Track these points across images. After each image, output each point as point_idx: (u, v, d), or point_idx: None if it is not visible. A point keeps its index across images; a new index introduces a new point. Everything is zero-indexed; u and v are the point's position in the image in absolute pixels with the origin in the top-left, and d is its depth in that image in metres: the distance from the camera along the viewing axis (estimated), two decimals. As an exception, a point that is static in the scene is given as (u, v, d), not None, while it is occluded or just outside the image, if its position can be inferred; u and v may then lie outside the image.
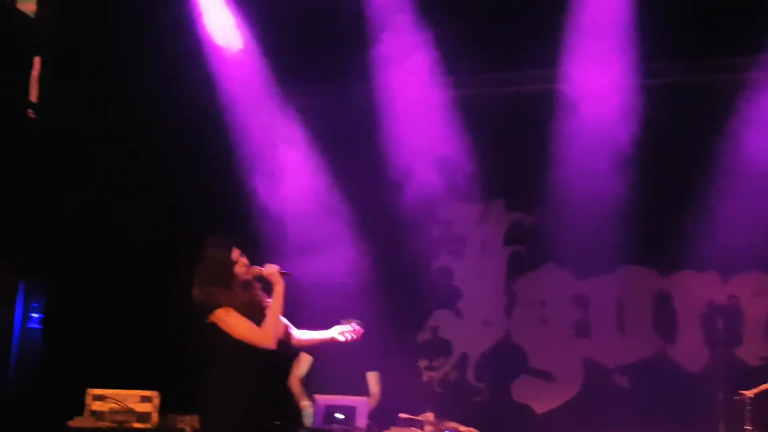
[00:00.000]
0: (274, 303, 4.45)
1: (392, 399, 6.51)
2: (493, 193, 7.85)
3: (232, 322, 4.33)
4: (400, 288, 7.66)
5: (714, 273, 7.47)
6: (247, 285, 4.47)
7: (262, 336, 4.33)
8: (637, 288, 7.62)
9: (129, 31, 7.28)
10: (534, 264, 7.87)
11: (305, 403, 5.76)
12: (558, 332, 7.74)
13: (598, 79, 7.08)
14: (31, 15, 7.29)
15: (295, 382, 6.63)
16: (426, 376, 7.90)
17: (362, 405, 6.00)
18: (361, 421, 5.80)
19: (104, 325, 7.30)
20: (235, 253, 4.49)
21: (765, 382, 6.17)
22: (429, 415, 5.87)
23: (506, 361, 7.78)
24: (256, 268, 4.51)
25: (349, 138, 7.56)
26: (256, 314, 4.39)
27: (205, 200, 7.54)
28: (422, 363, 7.92)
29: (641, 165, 7.15)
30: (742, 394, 6.15)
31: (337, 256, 7.22)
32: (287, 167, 7.59)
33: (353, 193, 7.53)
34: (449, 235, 8.05)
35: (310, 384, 6.58)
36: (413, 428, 5.81)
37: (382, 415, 6.01)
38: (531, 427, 7.52)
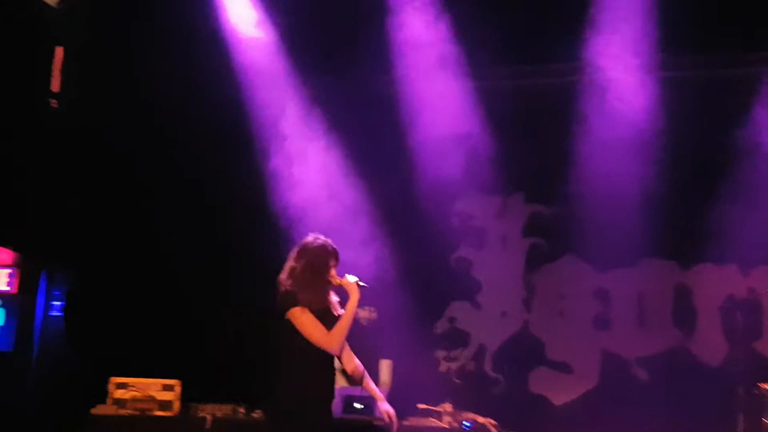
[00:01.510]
0: (348, 311, 4.60)
1: (410, 389, 6.54)
2: (513, 185, 7.85)
3: (305, 322, 4.44)
4: (419, 279, 7.67)
5: (734, 266, 7.44)
6: (326, 292, 4.59)
7: (329, 340, 4.47)
8: (657, 281, 7.61)
9: (151, 21, 7.31)
10: (553, 256, 7.86)
11: None
12: (576, 324, 7.74)
13: (621, 71, 7.05)
14: (54, 5, 7.33)
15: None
16: (444, 366, 7.92)
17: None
18: (380, 411, 5.83)
19: (126, 314, 7.37)
20: (332, 260, 4.62)
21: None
22: (447, 406, 5.90)
23: (524, 352, 7.79)
24: (338, 278, 4.61)
25: (370, 129, 7.56)
26: (327, 321, 4.52)
27: (227, 190, 7.58)
28: (440, 354, 7.95)
29: (662, 158, 7.12)
30: (761, 387, 6.15)
31: (356, 247, 7.24)
32: (307, 158, 7.60)
33: (373, 184, 7.54)
34: (469, 227, 8.05)
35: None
36: (431, 418, 5.84)
37: (399, 405, 6.03)
38: (548, 418, 7.53)
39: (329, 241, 4.66)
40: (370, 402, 5.90)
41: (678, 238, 7.34)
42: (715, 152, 7.05)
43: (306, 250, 4.62)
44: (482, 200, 7.98)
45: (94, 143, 7.42)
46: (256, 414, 6.12)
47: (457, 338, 7.95)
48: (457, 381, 7.85)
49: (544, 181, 7.69)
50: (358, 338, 6.70)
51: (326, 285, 4.61)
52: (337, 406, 5.79)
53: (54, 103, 7.39)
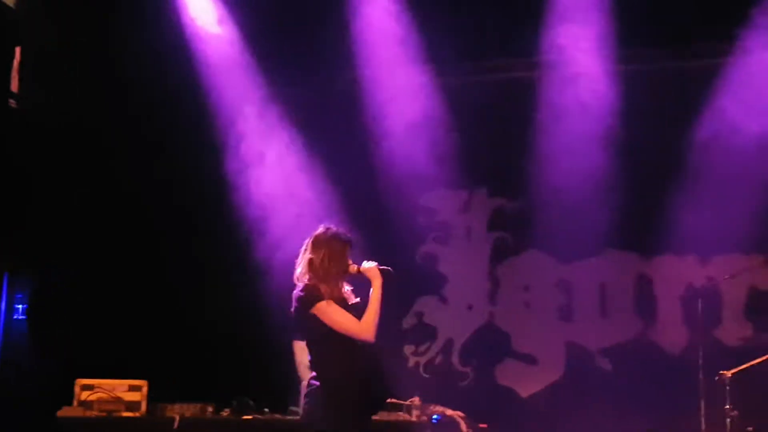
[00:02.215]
0: (375, 297, 4.51)
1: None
2: (477, 180, 7.91)
3: (334, 314, 4.40)
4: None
5: (693, 256, 7.59)
6: (342, 282, 4.56)
7: (363, 329, 4.41)
8: (618, 272, 7.73)
9: (110, 19, 7.26)
10: (517, 249, 7.95)
11: None
12: (541, 316, 7.83)
13: (581, 65, 7.14)
14: (11, 5, 7.24)
15: (303, 370, 6.67)
16: (412, 361, 7.98)
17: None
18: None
19: (91, 315, 7.31)
20: (348, 248, 4.57)
21: (743, 362, 6.31)
22: (415, 400, 5.94)
23: (491, 345, 7.86)
24: (355, 266, 4.58)
25: (332, 125, 7.58)
26: (347, 310, 4.47)
27: (189, 190, 7.55)
28: (408, 348, 8.00)
29: (621, 150, 7.23)
30: (721, 374, 6.28)
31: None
32: (270, 156, 7.58)
33: (336, 181, 7.55)
34: (434, 222, 8.11)
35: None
36: (400, 413, 5.87)
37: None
38: (516, 409, 7.61)
39: (341, 229, 4.58)
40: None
41: (638, 229, 7.46)
42: (673, 143, 7.17)
43: (322, 241, 4.52)
44: (447, 195, 8.03)
45: (54, 144, 7.35)
46: (224, 413, 6.11)
47: (425, 333, 8.00)
48: (425, 375, 7.91)
49: (507, 176, 7.76)
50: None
51: (344, 275, 4.54)
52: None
53: (13, 103, 7.30)
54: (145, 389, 6.12)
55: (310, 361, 4.48)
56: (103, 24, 7.27)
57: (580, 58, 7.14)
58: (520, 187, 7.71)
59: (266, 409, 6.01)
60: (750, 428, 6.32)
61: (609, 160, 7.21)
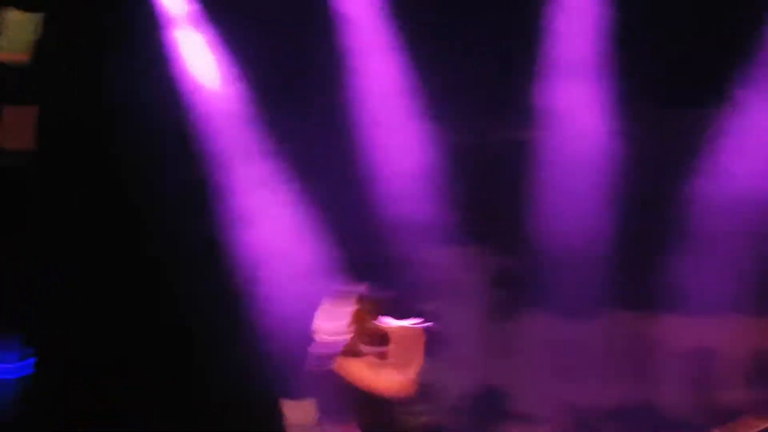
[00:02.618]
0: None
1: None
2: (478, 237, 7.88)
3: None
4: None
5: (694, 317, 7.52)
6: None
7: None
8: (620, 332, 7.65)
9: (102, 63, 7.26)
10: (517, 308, 7.88)
11: None
12: (541, 377, 7.73)
13: (576, 123, 7.18)
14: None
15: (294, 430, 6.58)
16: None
17: None
18: None
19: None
20: None
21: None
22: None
23: (490, 404, 7.75)
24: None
25: (328, 174, 7.54)
26: None
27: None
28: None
29: (622, 208, 7.22)
30: (713, 432, 6.17)
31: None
32: (263, 208, 7.48)
33: (335, 237, 7.53)
34: (434, 278, 8.06)
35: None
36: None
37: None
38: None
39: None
40: None
41: (641, 290, 7.41)
42: (672, 200, 7.16)
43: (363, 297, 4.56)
44: (448, 251, 8.00)
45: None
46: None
47: (422, 392, 7.87)
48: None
49: (509, 234, 7.74)
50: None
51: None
52: None
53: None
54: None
55: None
56: (94, 67, 7.28)
57: (579, 114, 7.18)
58: (521, 246, 7.68)
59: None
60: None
61: (612, 218, 7.20)
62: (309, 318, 4.73)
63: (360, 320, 4.44)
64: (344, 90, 7.27)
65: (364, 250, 7.56)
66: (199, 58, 7.47)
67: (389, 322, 4.49)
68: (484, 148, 7.69)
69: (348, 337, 4.39)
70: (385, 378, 4.37)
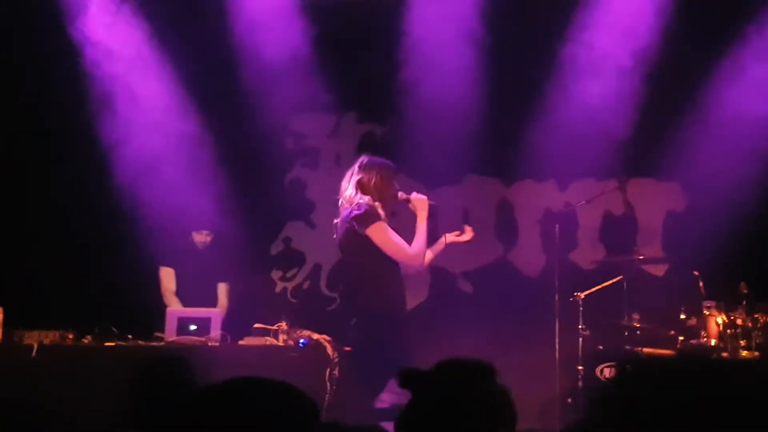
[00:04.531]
0: (423, 227, 4.69)
1: (246, 310, 6.58)
2: (346, 104, 7.87)
3: (390, 237, 4.35)
4: (254, 201, 7.63)
5: (552, 182, 7.89)
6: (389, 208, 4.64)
7: (415, 253, 4.44)
8: (481, 197, 7.94)
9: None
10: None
11: None
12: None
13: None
14: None
15: (169, 296, 6.59)
16: (279, 286, 7.99)
17: (216, 316, 6.05)
18: (215, 332, 5.86)
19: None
20: (395, 176, 4.74)
21: (596, 285, 6.67)
22: (283, 324, 5.98)
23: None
24: (404, 194, 4.67)
25: (197, 49, 7.31)
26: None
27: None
28: (276, 274, 7.99)
29: (485, 75, 7.34)
30: (575, 295, 6.63)
31: (189, 172, 7.08)
32: (132, 81, 7.22)
33: (203, 109, 7.36)
34: (302, 148, 8.05)
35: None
36: (267, 337, 5.91)
37: (236, 326, 6.06)
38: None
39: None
40: (205, 323, 5.90)
41: (501, 155, 7.67)
42: (534, 69, 7.34)
43: (374, 165, 4.62)
44: (316, 120, 7.97)
45: None
46: (86, 340, 5.96)
47: (293, 258, 8.01)
48: (293, 300, 7.95)
49: (375, 101, 7.76)
50: (198, 262, 6.68)
51: (394, 200, 4.64)
52: (170, 328, 5.77)
53: None
54: (0, 315, 5.88)
55: (345, 283, 4.60)
56: None
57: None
58: (388, 113, 7.74)
59: (129, 336, 5.91)
60: (600, 347, 6.73)
61: (473, 85, 7.33)
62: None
63: (388, 185, 4.59)
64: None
65: (234, 120, 7.46)
66: None
67: (414, 194, 4.72)
68: (352, 11, 7.56)
69: (374, 199, 4.53)
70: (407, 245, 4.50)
